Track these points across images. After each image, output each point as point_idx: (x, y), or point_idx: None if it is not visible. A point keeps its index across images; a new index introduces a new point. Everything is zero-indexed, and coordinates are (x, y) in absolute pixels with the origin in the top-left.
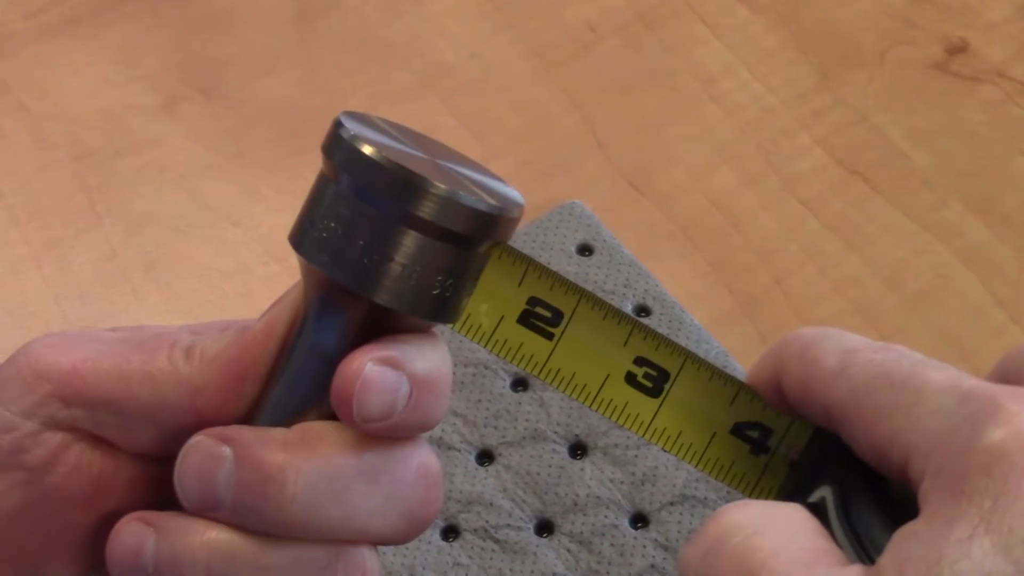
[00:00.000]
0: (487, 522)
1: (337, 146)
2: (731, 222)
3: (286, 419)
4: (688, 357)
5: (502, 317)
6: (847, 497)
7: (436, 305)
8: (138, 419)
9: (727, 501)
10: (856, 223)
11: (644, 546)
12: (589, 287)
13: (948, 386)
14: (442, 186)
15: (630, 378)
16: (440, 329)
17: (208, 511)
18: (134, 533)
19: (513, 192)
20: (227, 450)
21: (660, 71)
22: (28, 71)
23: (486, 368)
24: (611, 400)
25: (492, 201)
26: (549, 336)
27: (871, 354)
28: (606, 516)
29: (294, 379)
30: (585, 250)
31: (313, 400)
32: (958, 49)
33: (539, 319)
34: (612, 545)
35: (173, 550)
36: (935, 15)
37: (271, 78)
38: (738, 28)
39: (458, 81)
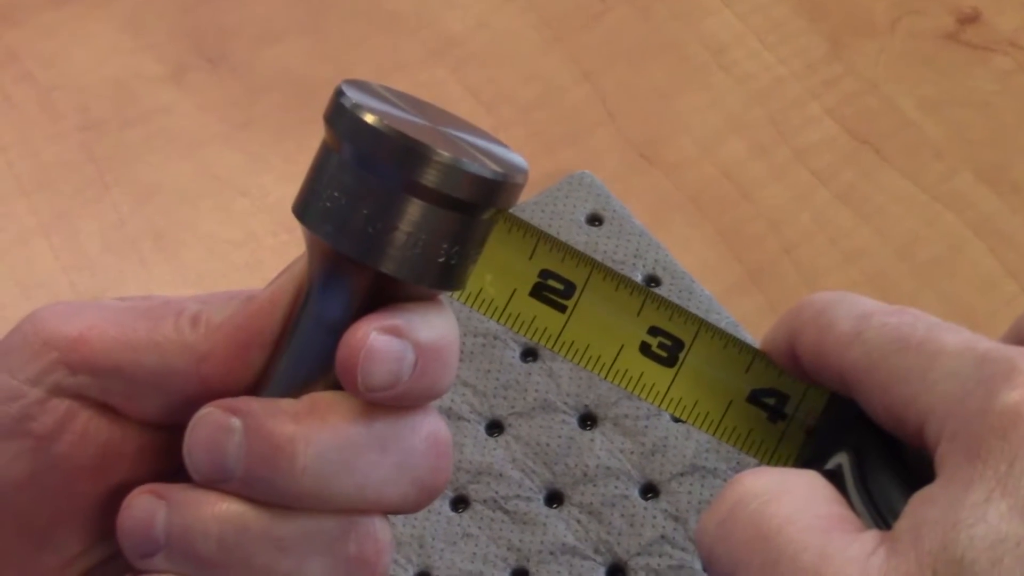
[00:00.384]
0: (497, 492)
1: (339, 115)
2: (741, 192)
3: (294, 389)
4: (702, 325)
5: (514, 291)
6: (863, 463)
7: (441, 273)
8: (144, 386)
9: (737, 471)
10: (866, 193)
11: (654, 516)
12: (599, 257)
13: (963, 349)
14: (445, 153)
15: (644, 348)
16: (449, 299)
17: (218, 483)
18: (145, 506)
19: (517, 158)
20: (236, 421)
21: (670, 41)
22: (36, 40)
23: (495, 338)
24: (626, 371)
25: (496, 167)
26: (562, 308)
27: (885, 318)
28: (616, 487)
29: (301, 349)
30: (595, 220)
31: (321, 370)
32: (969, 19)
33: (551, 292)
34: (622, 516)
35: (184, 522)
36: None
37: (280, 47)
38: None
39: (467, 51)
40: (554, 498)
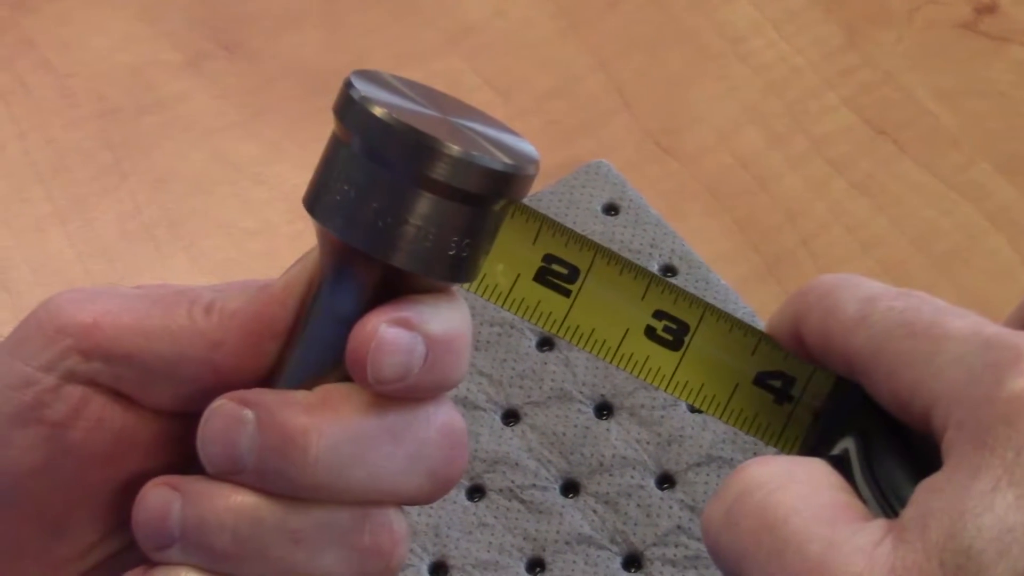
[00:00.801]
0: (513, 482)
1: (348, 108)
2: (758, 182)
3: (307, 381)
4: (707, 309)
5: (518, 276)
6: (870, 449)
7: (452, 265)
8: (157, 374)
9: None
10: (883, 183)
11: (670, 507)
12: (615, 247)
13: (970, 333)
14: (455, 147)
15: (650, 332)
16: (460, 289)
17: (232, 475)
18: (160, 497)
19: (528, 147)
20: (249, 413)
21: (686, 30)
22: (53, 27)
23: (512, 327)
24: (632, 355)
25: (506, 159)
26: (566, 293)
27: (891, 301)
28: (632, 477)
29: (314, 341)
30: (611, 209)
31: (334, 362)
32: (987, 9)
33: (555, 276)
34: (638, 506)
35: (199, 514)
36: None
37: (296, 35)
38: None
39: (483, 40)
40: (570, 488)
